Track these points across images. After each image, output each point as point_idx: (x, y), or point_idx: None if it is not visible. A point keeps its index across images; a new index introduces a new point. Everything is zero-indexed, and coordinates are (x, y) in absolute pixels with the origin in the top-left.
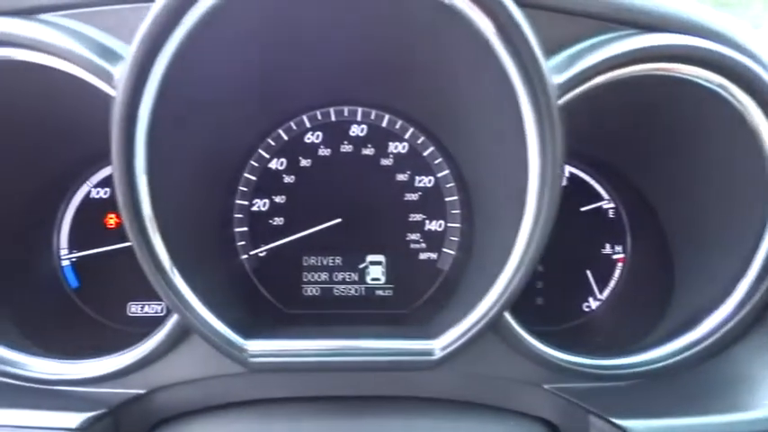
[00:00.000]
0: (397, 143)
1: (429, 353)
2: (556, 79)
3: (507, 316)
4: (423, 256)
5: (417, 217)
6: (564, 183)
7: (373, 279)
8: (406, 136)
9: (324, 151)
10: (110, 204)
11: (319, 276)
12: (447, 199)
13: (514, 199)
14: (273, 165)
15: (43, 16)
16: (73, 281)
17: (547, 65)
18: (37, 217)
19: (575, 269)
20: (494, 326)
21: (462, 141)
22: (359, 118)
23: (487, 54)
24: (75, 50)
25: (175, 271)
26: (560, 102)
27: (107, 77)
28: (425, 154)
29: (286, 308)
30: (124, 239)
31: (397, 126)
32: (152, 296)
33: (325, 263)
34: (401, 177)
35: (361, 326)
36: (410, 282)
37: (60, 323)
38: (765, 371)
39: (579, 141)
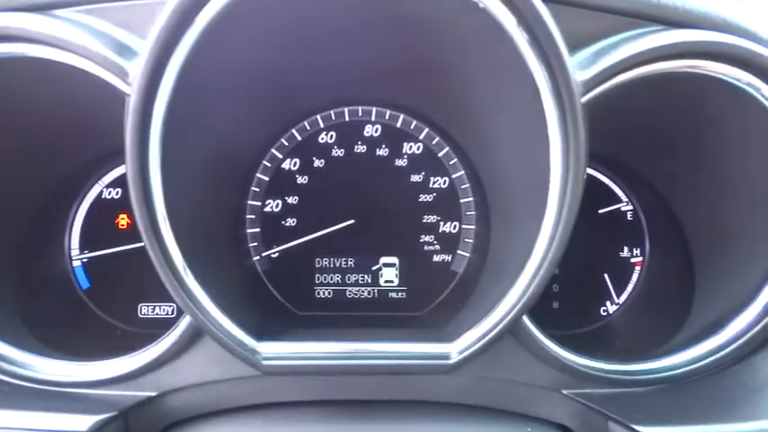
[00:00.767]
0: (411, 143)
1: (445, 356)
2: (579, 76)
3: (526, 319)
4: (437, 258)
5: (431, 218)
6: None
7: (386, 281)
8: (421, 136)
9: (337, 152)
10: (121, 205)
11: (332, 278)
12: (462, 200)
13: (534, 199)
14: (286, 165)
15: (57, 12)
16: (84, 282)
17: (571, 61)
18: (49, 217)
19: (592, 272)
20: (512, 329)
21: (479, 141)
22: (373, 118)
23: (509, 50)
24: (90, 46)
25: (188, 272)
26: (584, 99)
27: (122, 74)
28: (440, 155)
29: (298, 310)
30: (135, 240)
31: (412, 126)
32: (163, 298)
33: (337, 264)
34: (415, 178)
35: (374, 329)
36: (424, 284)
37: (71, 324)
38: None
39: (598, 142)
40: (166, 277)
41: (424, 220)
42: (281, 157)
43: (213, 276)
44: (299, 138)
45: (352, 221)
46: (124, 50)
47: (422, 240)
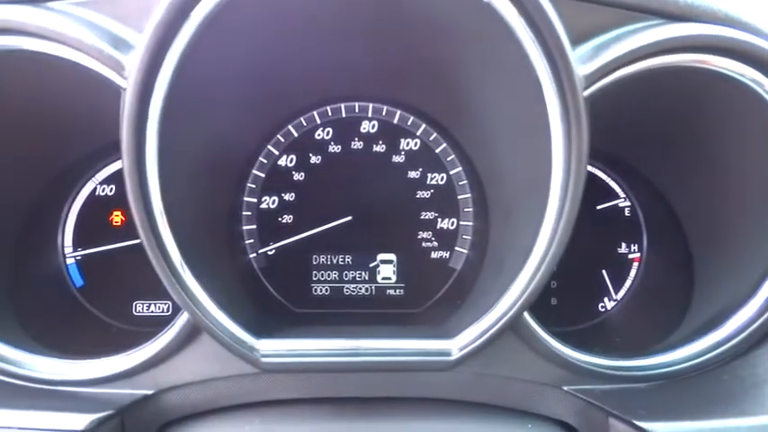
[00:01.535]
0: (408, 140)
1: (446, 353)
2: (581, 70)
3: (527, 316)
4: (435, 254)
5: (429, 215)
6: None
7: (384, 278)
8: (418, 132)
9: (334, 148)
10: (115, 202)
11: (329, 275)
12: (460, 196)
13: (535, 195)
14: (283, 161)
15: (52, 4)
16: (78, 279)
17: (573, 55)
18: (42, 214)
19: (589, 269)
20: (513, 326)
21: (478, 137)
22: (370, 114)
23: (511, 44)
24: (85, 39)
25: (186, 268)
26: (586, 93)
27: (117, 67)
28: (438, 150)
29: (295, 307)
30: (130, 238)
31: (409, 122)
32: (158, 295)
33: (335, 261)
34: (413, 174)
35: (373, 325)
36: (421, 281)
37: (65, 322)
38: None
39: (596, 137)
40: (164, 274)
41: (422, 217)
42: (277, 153)
43: (210, 273)
44: (296, 134)
45: (349, 218)
46: (120, 44)
47: (419, 237)
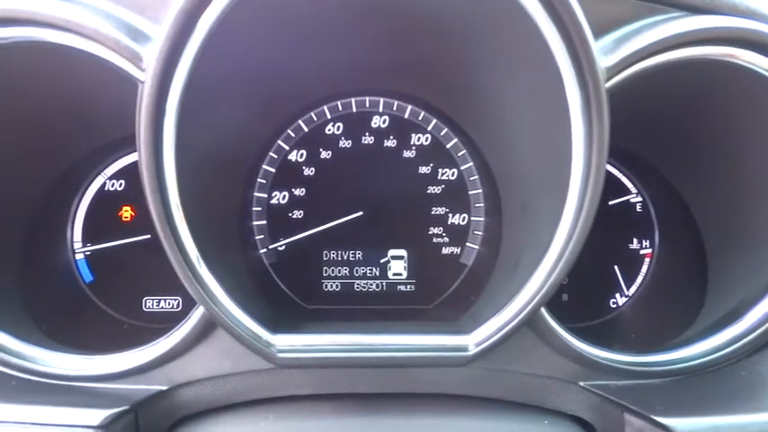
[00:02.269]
0: (419, 135)
1: (463, 348)
2: (603, 62)
3: (543, 311)
4: (446, 250)
5: (440, 210)
6: None
7: (395, 274)
8: (429, 127)
9: (345, 143)
10: (125, 197)
11: (340, 271)
12: (471, 192)
13: (553, 189)
14: (293, 156)
15: None
16: (87, 275)
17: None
18: (51, 209)
19: (601, 264)
20: (530, 321)
21: (492, 132)
22: (380, 109)
23: (531, 35)
24: (102, 30)
25: (202, 262)
26: (607, 86)
27: (135, 59)
28: (449, 146)
29: (306, 303)
30: (139, 233)
31: (420, 117)
32: (168, 291)
33: (345, 257)
34: (424, 170)
35: (385, 321)
36: (433, 277)
37: (75, 318)
38: None
39: (612, 132)
40: (180, 268)
41: (433, 212)
42: (287, 148)
43: (225, 268)
44: (306, 129)
45: (360, 213)
46: (137, 35)
47: (430, 232)
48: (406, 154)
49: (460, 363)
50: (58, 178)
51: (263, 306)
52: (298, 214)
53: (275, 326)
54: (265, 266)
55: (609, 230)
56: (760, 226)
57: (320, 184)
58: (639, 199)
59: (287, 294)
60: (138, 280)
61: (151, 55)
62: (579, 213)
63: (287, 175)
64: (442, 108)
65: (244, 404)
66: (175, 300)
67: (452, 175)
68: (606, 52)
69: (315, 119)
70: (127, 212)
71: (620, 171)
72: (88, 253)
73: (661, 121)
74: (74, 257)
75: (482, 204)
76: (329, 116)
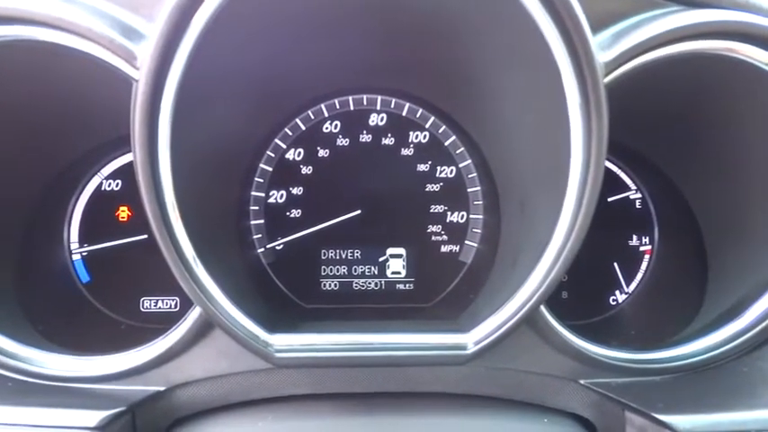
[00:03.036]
0: (417, 132)
1: (462, 347)
2: (601, 57)
3: (543, 309)
4: (444, 248)
5: (439, 208)
6: None
7: (393, 272)
8: (427, 125)
9: (342, 141)
10: (121, 197)
11: (338, 270)
12: (469, 189)
13: (552, 186)
14: (290, 155)
15: None
16: (84, 275)
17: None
18: (47, 209)
19: (601, 261)
20: (529, 319)
21: (491, 129)
22: (378, 107)
23: (529, 31)
24: (95, 28)
25: (199, 263)
26: (605, 81)
27: (129, 57)
28: (447, 143)
29: (304, 302)
30: (136, 233)
31: (418, 115)
32: (166, 291)
33: (344, 256)
34: (422, 168)
35: (385, 320)
36: (431, 275)
37: (72, 318)
38: None
39: (611, 128)
40: (177, 268)
41: (432, 210)
42: (284, 147)
43: (222, 268)
44: (303, 127)
45: (358, 212)
46: (131, 33)
47: (429, 231)
48: (405, 152)
49: (459, 361)
50: (55, 178)
51: (260, 306)
52: (295, 213)
53: (273, 325)
54: (263, 266)
55: (608, 227)
56: (760, 222)
57: (318, 182)
58: (639, 195)
59: (285, 294)
60: (135, 280)
61: (145, 53)
62: (578, 210)
63: (284, 174)
64: (439, 105)
65: (242, 404)
66: (173, 300)
67: (451, 173)
68: (604, 47)
69: (312, 117)
70: (124, 212)
71: (620, 167)
72: (85, 253)
73: (660, 117)
74: (70, 258)
75: (481, 202)
76: (326, 114)
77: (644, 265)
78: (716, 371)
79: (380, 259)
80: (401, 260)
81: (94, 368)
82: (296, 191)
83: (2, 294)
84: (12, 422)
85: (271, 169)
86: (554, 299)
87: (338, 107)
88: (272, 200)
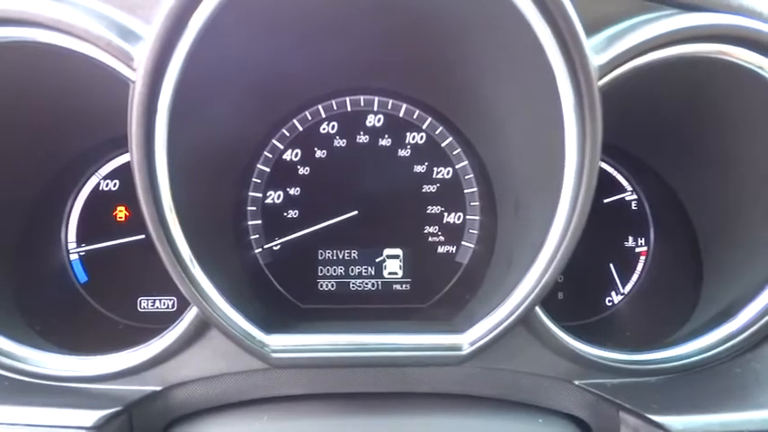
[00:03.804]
0: (414, 133)
1: (457, 348)
2: (596, 60)
3: (538, 310)
4: (441, 249)
5: (435, 209)
6: None
7: (390, 273)
8: (424, 126)
9: (339, 142)
10: (119, 197)
11: (335, 270)
12: (466, 191)
13: (546, 187)
14: (287, 156)
15: None
16: (81, 275)
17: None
18: (45, 209)
19: (596, 263)
20: (524, 320)
21: (487, 130)
22: (375, 108)
23: (524, 33)
24: (93, 29)
25: (195, 263)
26: (600, 84)
27: (126, 59)
28: (444, 144)
29: (301, 303)
30: (134, 233)
31: (415, 116)
32: (163, 291)
33: (341, 256)
34: (419, 168)
35: (382, 321)
36: (428, 276)
37: (69, 318)
38: None
39: (606, 129)
40: (173, 269)
41: (428, 211)
42: (281, 147)
43: (219, 269)
44: (300, 128)
45: (355, 213)
46: (128, 35)
47: (426, 231)
48: (401, 153)
49: (455, 362)
50: (52, 178)
51: (257, 306)
52: (293, 214)
53: (269, 326)
54: (260, 266)
55: (604, 228)
56: (755, 222)
57: (315, 183)
58: (634, 197)
59: (282, 294)
60: (132, 280)
61: (142, 54)
62: (573, 212)
63: (282, 175)
64: (436, 107)
65: (238, 404)
66: (171, 300)
67: (447, 174)
68: (599, 50)
69: (309, 118)
70: (121, 212)
71: (615, 169)
72: (83, 253)
73: (655, 119)
74: (68, 258)
75: (477, 203)
76: (324, 115)
77: (640, 266)
78: (710, 372)
79: (377, 260)
80: (398, 261)
81: (91, 368)
82: (293, 191)
83: None
84: (8, 422)
85: (268, 170)
86: (550, 300)
87: (335, 108)
88: (269, 200)
